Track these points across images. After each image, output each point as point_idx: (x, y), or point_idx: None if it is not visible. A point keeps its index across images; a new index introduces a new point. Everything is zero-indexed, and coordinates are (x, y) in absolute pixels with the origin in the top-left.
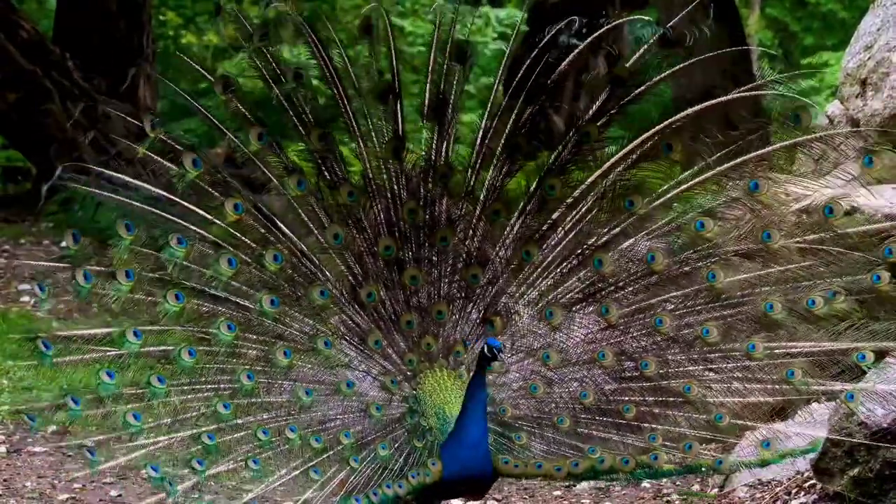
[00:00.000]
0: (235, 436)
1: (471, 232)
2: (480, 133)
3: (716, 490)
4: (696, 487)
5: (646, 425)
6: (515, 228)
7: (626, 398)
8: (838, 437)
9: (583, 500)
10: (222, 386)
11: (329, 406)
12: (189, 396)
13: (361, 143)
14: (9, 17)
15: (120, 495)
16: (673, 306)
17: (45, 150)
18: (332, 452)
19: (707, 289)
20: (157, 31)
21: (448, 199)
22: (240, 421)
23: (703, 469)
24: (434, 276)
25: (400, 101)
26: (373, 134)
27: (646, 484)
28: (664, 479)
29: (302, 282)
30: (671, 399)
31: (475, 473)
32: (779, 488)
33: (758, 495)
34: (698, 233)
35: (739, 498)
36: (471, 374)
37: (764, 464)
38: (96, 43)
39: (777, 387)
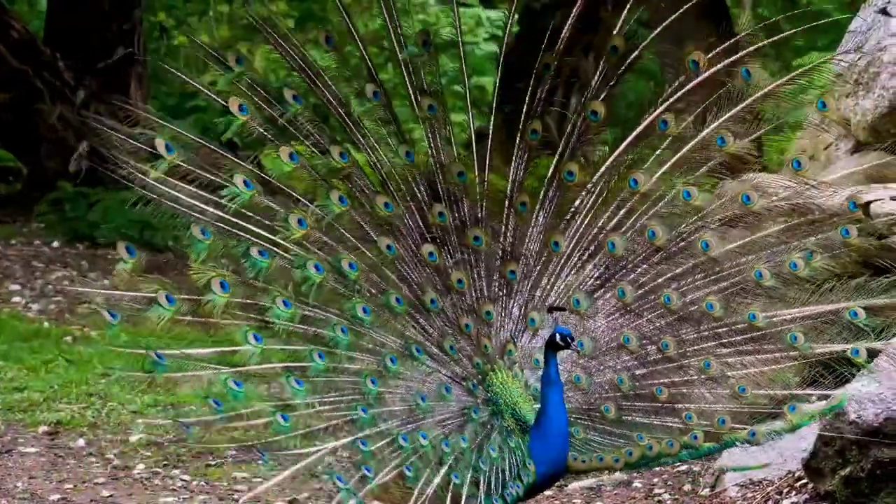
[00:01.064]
0: (382, 442)
1: (502, 228)
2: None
3: (707, 490)
4: (687, 487)
5: (679, 406)
6: (541, 219)
7: (657, 381)
8: (830, 436)
9: (574, 500)
10: (351, 391)
11: (436, 412)
12: (327, 399)
13: (372, 152)
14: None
15: (112, 495)
16: (676, 284)
17: (36, 151)
18: (452, 460)
19: (704, 261)
20: (149, 32)
21: (466, 198)
22: (381, 429)
23: (740, 442)
24: (476, 277)
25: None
26: (381, 140)
27: (637, 484)
28: (674, 466)
29: (376, 290)
30: (695, 377)
31: (560, 469)
32: (770, 488)
33: (749, 495)
34: (686, 202)
35: (731, 498)
36: (543, 367)
37: (794, 428)
38: (87, 43)
39: (785, 353)
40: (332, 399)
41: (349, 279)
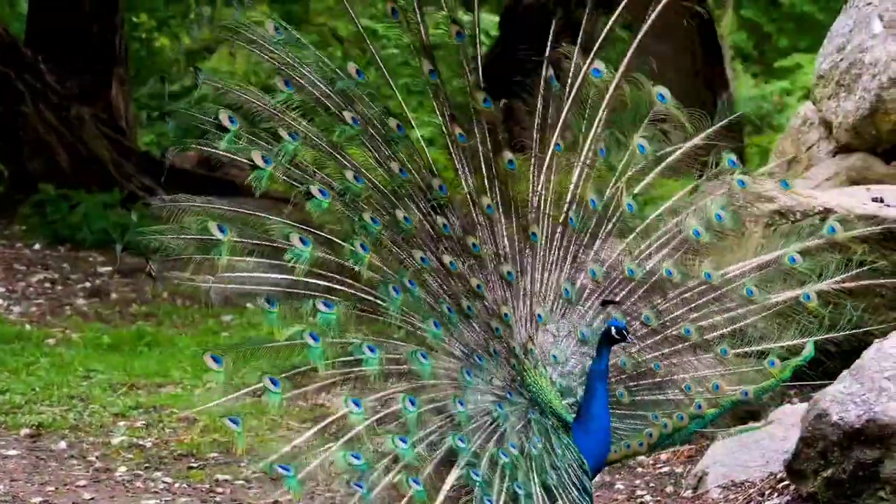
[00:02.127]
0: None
1: (480, 231)
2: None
3: (689, 492)
4: (669, 489)
5: (677, 377)
6: (503, 218)
7: (650, 356)
8: (812, 438)
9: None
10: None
11: (509, 420)
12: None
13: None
14: None
15: (93, 498)
16: (631, 255)
17: (19, 153)
18: (522, 468)
19: (647, 227)
20: (130, 33)
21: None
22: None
23: (736, 402)
24: (486, 282)
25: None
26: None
27: (619, 486)
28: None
29: (433, 302)
30: (679, 346)
31: (603, 462)
32: (752, 490)
33: (731, 496)
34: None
35: (713, 499)
36: (595, 360)
37: (779, 382)
38: (69, 45)
39: (747, 308)
40: (424, 434)
41: (415, 296)
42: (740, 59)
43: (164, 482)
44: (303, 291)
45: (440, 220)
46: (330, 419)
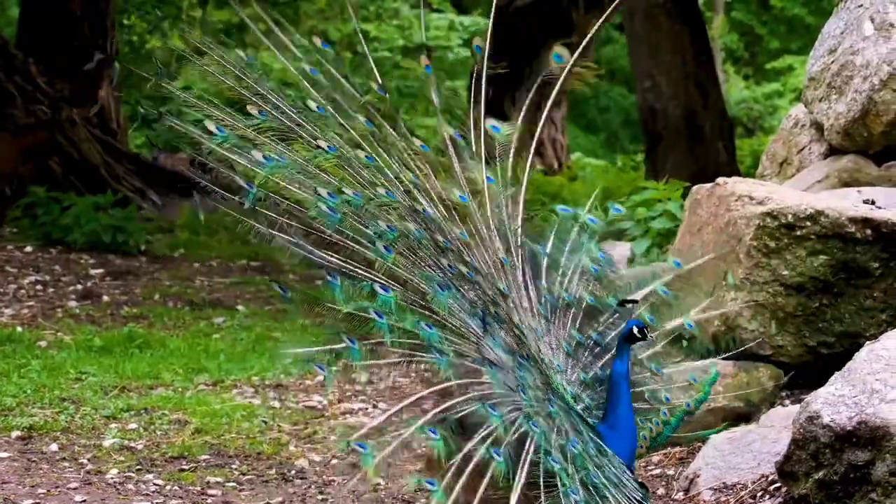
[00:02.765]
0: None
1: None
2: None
3: (681, 494)
4: (661, 491)
5: (639, 389)
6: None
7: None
8: (803, 440)
9: None
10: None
11: (563, 425)
12: None
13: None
14: None
15: (84, 500)
16: (558, 278)
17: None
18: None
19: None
20: (121, 36)
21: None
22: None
23: (686, 412)
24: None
25: None
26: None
27: None
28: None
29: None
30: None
31: (634, 461)
32: (744, 492)
33: (723, 499)
34: None
35: (705, 501)
36: (616, 360)
37: (705, 396)
38: (59, 47)
39: (657, 331)
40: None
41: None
42: (731, 61)
43: (155, 484)
44: (361, 273)
45: (439, 237)
46: (404, 403)
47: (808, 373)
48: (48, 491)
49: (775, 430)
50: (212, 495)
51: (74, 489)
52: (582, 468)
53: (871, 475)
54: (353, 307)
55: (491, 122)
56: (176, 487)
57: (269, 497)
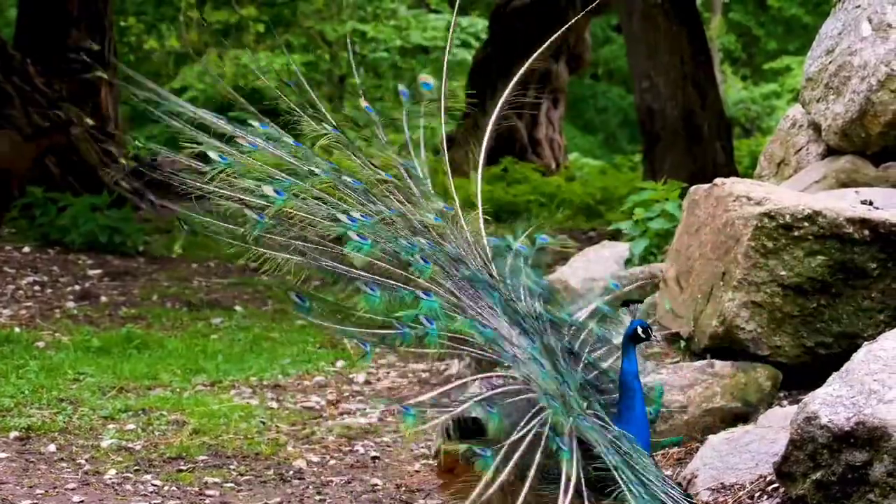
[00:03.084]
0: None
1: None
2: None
3: None
4: None
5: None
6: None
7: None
8: (801, 440)
9: None
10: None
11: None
12: None
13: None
14: None
15: (82, 501)
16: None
17: None
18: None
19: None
20: (119, 37)
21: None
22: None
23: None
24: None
25: None
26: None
27: None
28: None
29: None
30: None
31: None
32: (742, 492)
33: (721, 499)
34: None
35: (703, 502)
36: (623, 360)
37: (661, 406)
38: (57, 48)
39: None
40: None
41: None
42: (729, 61)
43: (153, 485)
44: (399, 284)
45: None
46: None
47: (806, 373)
48: (46, 491)
49: (773, 430)
50: (210, 496)
51: (72, 490)
52: (636, 463)
53: (868, 476)
54: (400, 315)
55: (424, 78)
56: (174, 488)
57: (266, 497)
